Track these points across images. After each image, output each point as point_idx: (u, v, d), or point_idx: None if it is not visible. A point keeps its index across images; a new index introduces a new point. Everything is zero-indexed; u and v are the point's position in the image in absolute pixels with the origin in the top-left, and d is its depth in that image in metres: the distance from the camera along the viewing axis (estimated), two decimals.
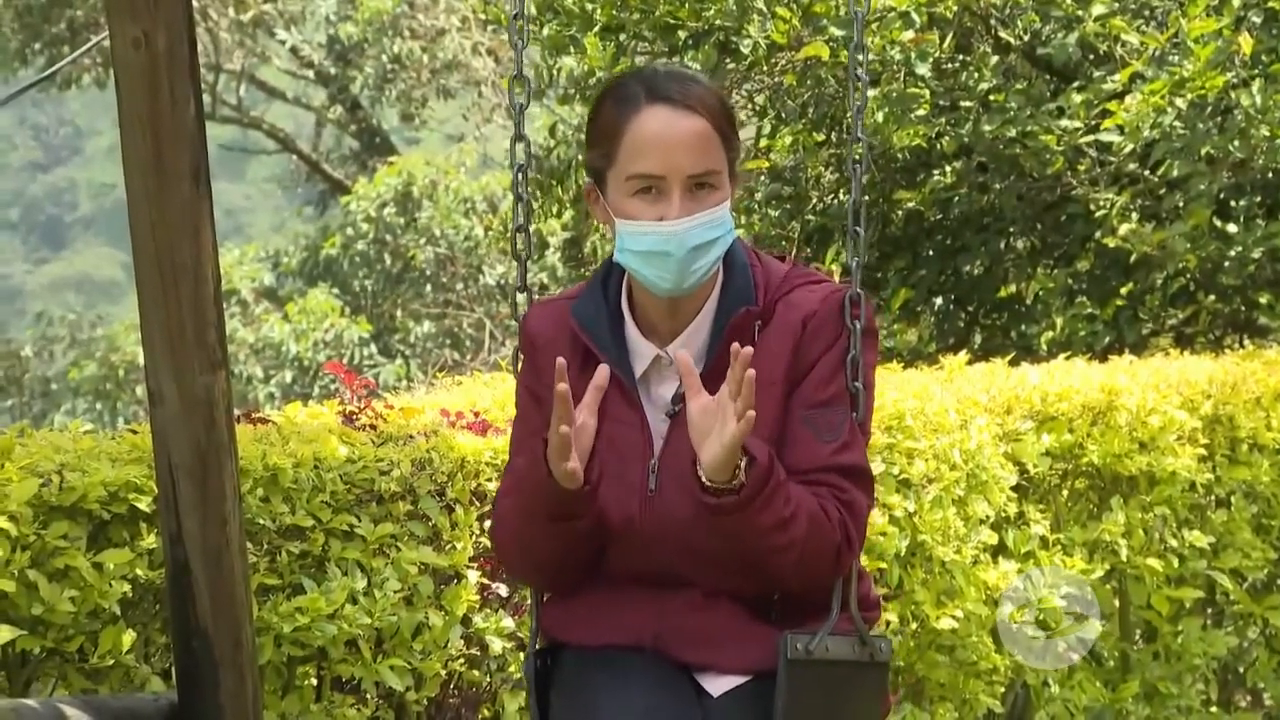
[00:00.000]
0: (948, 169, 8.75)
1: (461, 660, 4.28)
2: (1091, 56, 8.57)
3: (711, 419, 2.95)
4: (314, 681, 4.06)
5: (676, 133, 3.04)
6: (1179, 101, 7.68)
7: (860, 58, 3.28)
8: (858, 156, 3.27)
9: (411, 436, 4.37)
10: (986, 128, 8.10)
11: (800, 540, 2.99)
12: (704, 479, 2.97)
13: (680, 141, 3.04)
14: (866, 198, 8.75)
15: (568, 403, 2.95)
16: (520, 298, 3.37)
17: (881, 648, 3.14)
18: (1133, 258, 8.44)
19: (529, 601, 4.44)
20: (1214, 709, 6.66)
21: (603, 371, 3.03)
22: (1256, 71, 7.79)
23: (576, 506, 3.04)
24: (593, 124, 3.15)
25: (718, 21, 8.05)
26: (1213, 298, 9.21)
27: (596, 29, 8.13)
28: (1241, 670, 6.93)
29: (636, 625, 3.12)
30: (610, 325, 3.16)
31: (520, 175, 3.35)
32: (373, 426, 4.41)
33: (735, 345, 2.92)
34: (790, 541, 2.99)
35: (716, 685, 3.08)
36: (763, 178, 8.89)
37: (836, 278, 3.23)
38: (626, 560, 3.13)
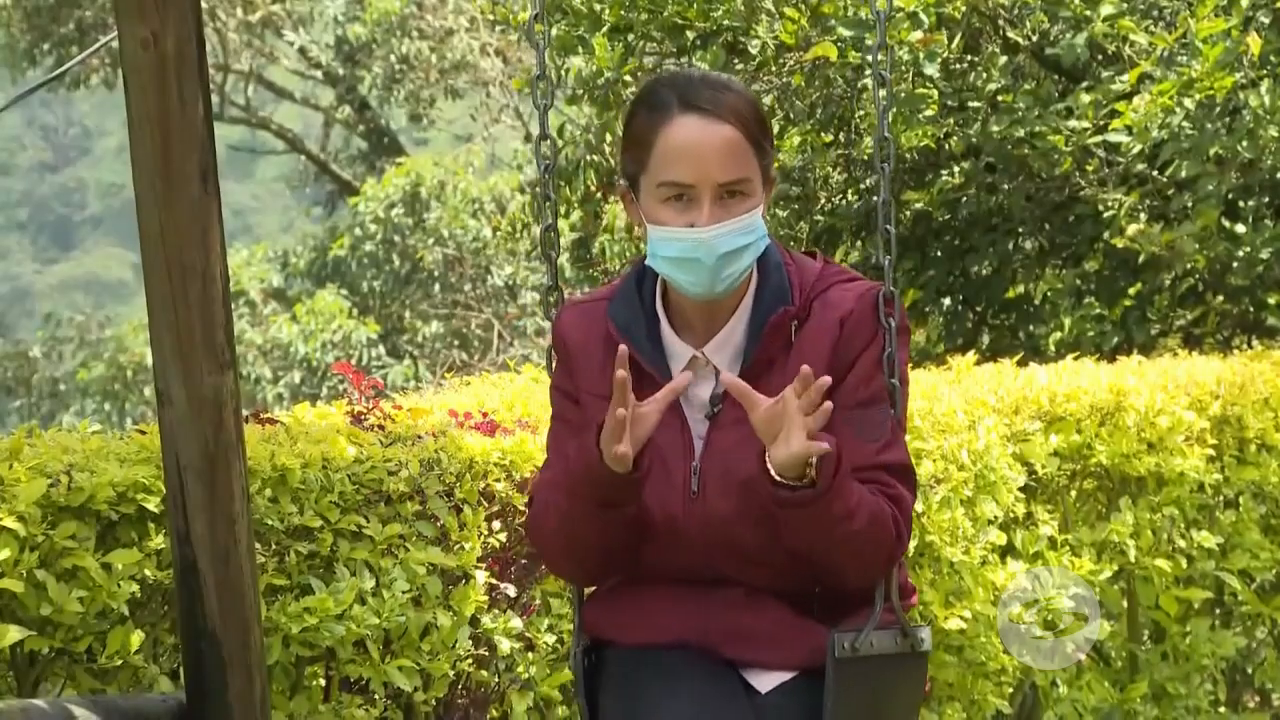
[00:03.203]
0: (956, 169, 8.75)
1: (470, 661, 4.28)
2: (1100, 57, 8.56)
3: (776, 423, 2.96)
4: (322, 682, 4.06)
5: (707, 142, 3.05)
6: (1187, 102, 7.67)
7: (883, 57, 3.29)
8: (885, 156, 3.27)
9: (420, 437, 4.37)
10: (995, 128, 8.09)
11: (862, 531, 3.02)
12: (776, 477, 2.98)
13: (711, 150, 3.05)
14: (875, 198, 8.79)
15: (626, 389, 2.96)
16: (551, 297, 3.37)
17: (922, 638, 3.20)
18: (1141, 258, 8.43)
19: (534, 601, 4.46)
20: (1222, 709, 6.65)
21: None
22: (1265, 72, 7.78)
23: (625, 493, 3.05)
24: (627, 129, 3.16)
25: (726, 22, 8.04)
26: (1221, 298, 9.20)
27: (605, 29, 8.13)
28: (1250, 671, 6.92)
29: (680, 624, 3.14)
30: (646, 326, 3.17)
31: (547, 174, 3.35)
32: (381, 427, 4.41)
33: (805, 368, 2.93)
34: (854, 532, 3.01)
35: (764, 682, 3.12)
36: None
37: None
38: (668, 560, 3.15)
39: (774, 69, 8.28)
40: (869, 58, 3.32)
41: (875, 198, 9.07)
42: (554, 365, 3.30)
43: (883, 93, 3.28)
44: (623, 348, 3.00)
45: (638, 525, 3.12)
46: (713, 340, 3.15)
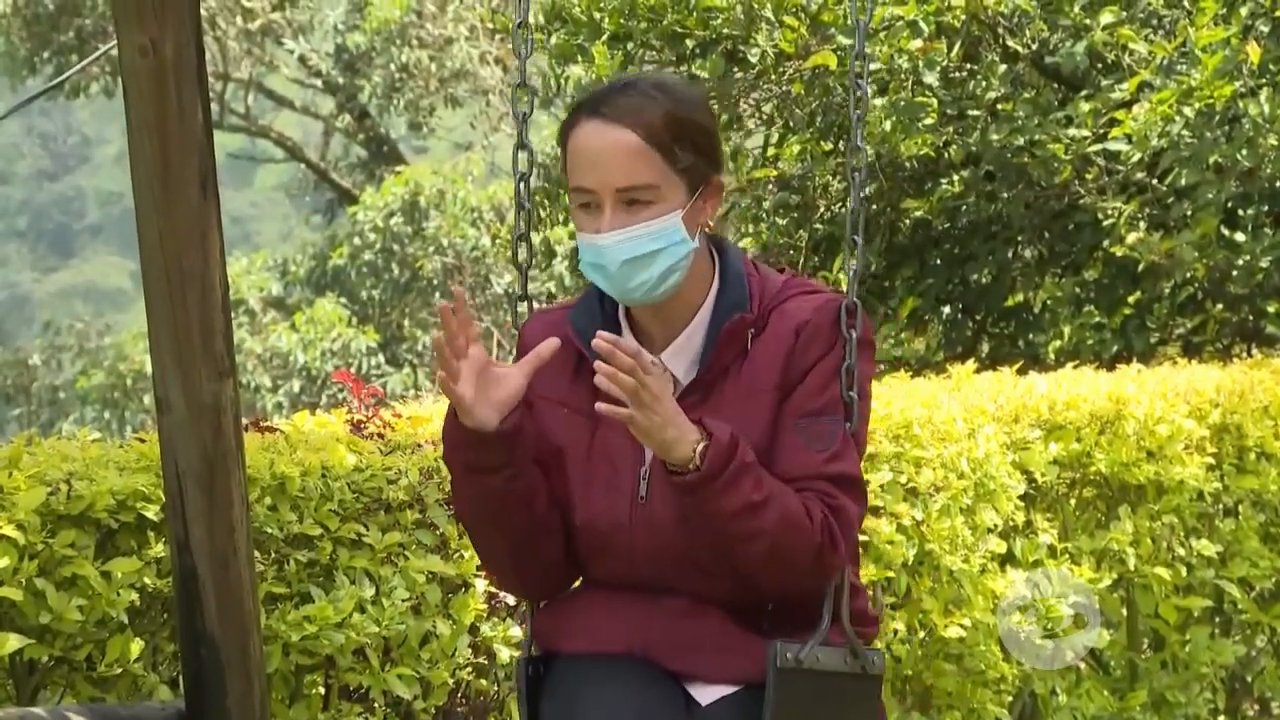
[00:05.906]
0: (955, 178, 8.74)
1: (469, 669, 4.28)
2: (1099, 65, 8.56)
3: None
4: (321, 690, 4.06)
5: (602, 147, 3.04)
6: (1187, 110, 7.67)
7: (860, 65, 3.28)
8: (857, 164, 3.27)
9: (419, 445, 4.37)
10: (994, 136, 8.09)
11: (770, 530, 2.96)
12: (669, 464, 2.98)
13: (605, 155, 3.03)
14: (874, 207, 8.81)
15: (451, 319, 2.99)
16: (521, 307, 3.36)
17: (874, 660, 3.13)
18: (1140, 266, 8.42)
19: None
20: (1221, 718, 6.65)
21: (550, 343, 3.03)
22: (1264, 80, 7.78)
23: (492, 453, 3.03)
24: None
25: (725, 30, 8.05)
26: (1220, 306, 9.20)
27: (604, 38, 8.13)
28: (1249, 679, 6.92)
29: (625, 633, 3.11)
30: (605, 331, 3.16)
31: (522, 184, 3.35)
32: (380, 435, 4.41)
33: (610, 337, 2.93)
34: (759, 530, 2.96)
35: (705, 694, 3.08)
36: (770, 186, 8.89)
37: (844, 286, 3.22)
38: (616, 567, 3.14)
39: (774, 77, 8.28)
40: (859, 65, 3.31)
41: (873, 206, 9.15)
42: None
43: (859, 98, 3.28)
44: (459, 289, 3.01)
45: (530, 501, 3.09)
46: (670, 346, 3.13)
